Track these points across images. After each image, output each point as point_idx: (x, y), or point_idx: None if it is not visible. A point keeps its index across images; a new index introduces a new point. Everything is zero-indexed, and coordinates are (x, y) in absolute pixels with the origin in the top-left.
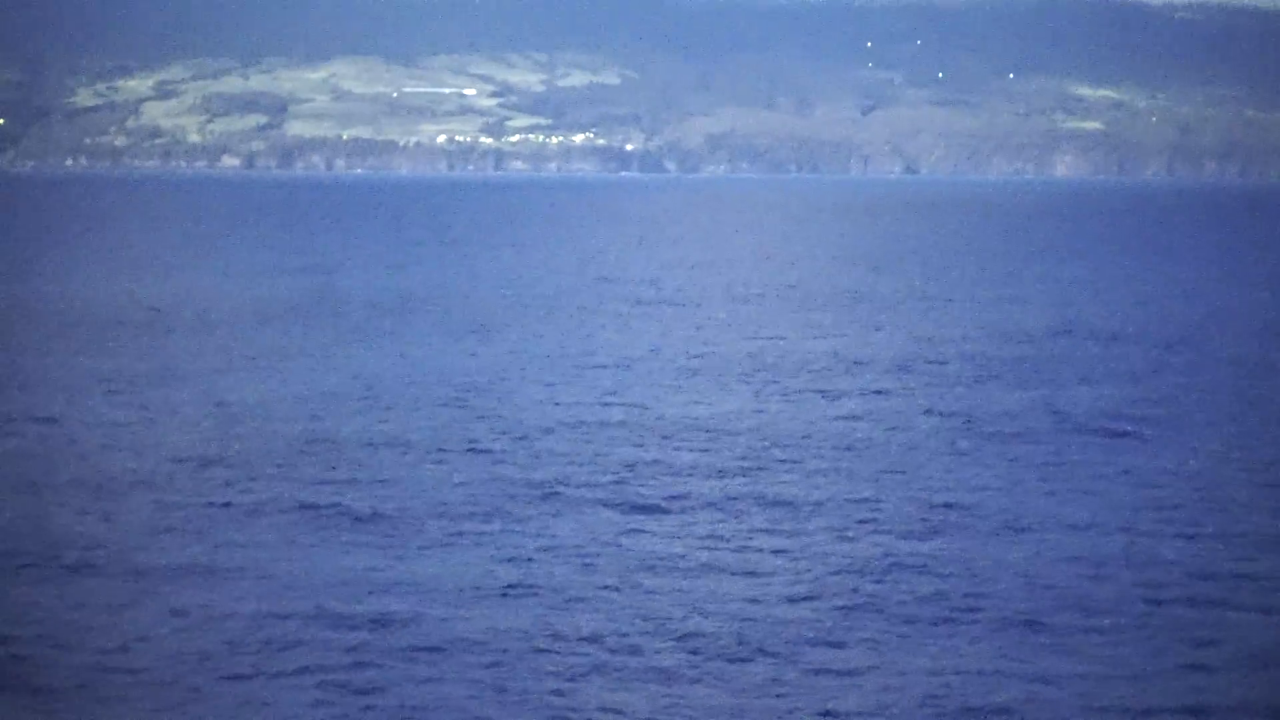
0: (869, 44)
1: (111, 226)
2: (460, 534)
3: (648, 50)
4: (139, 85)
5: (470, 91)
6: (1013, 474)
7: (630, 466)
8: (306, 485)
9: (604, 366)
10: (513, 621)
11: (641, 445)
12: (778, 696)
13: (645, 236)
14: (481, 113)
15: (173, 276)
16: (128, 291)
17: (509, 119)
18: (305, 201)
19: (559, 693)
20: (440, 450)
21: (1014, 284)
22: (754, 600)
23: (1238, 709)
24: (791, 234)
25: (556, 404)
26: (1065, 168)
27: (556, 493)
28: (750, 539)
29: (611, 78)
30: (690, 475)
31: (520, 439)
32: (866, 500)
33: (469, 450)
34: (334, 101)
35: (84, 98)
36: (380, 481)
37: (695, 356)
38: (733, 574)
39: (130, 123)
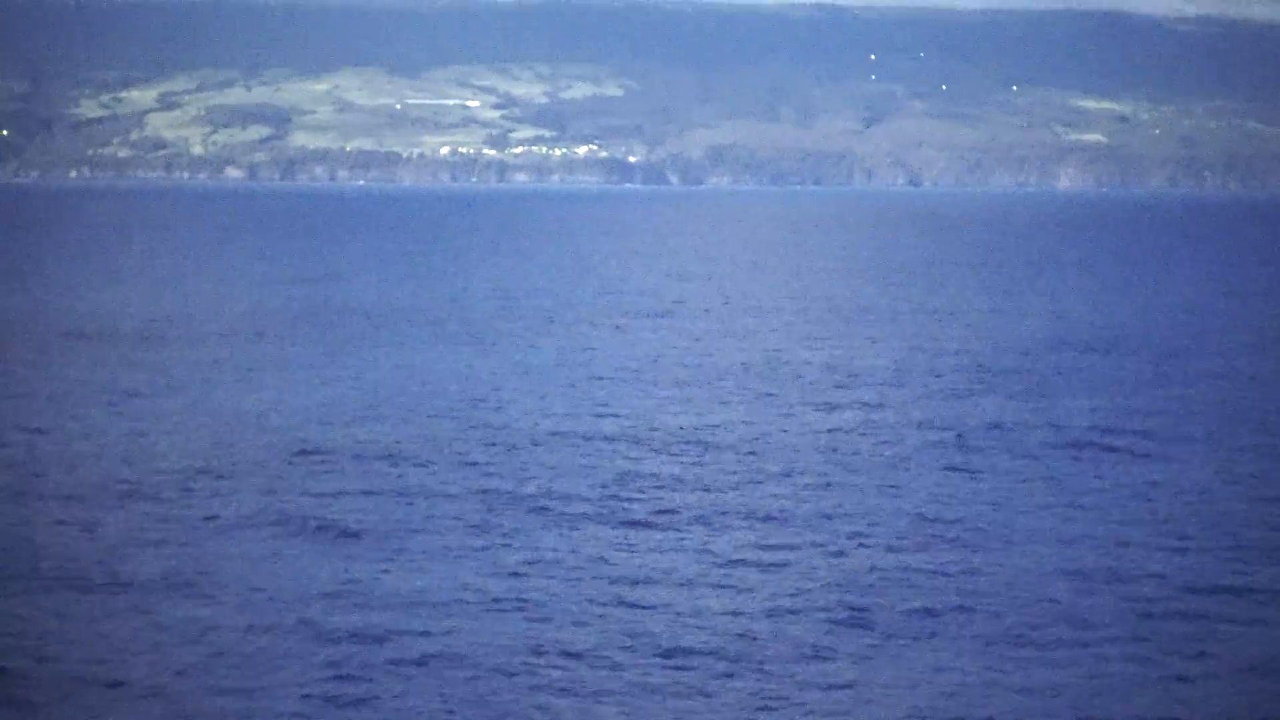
0: (872, 56)
1: (112, 238)
2: (447, 548)
3: (650, 62)
4: (143, 97)
5: (473, 103)
6: (1002, 487)
7: (620, 479)
8: (294, 497)
9: (599, 378)
10: (498, 635)
11: (632, 458)
12: (764, 710)
13: (645, 248)
14: (485, 124)
15: (172, 288)
16: (126, 303)
17: (512, 131)
18: (307, 213)
19: (543, 708)
20: (430, 462)
21: (1013, 296)
22: (741, 613)
23: None
24: (792, 246)
25: (550, 415)
26: (1068, 180)
27: (544, 506)
28: (738, 552)
29: (614, 90)
30: (679, 488)
31: (511, 450)
32: (855, 513)
33: (459, 462)
34: (337, 113)
35: (88, 109)
36: (368, 494)
37: (690, 368)
38: (719, 587)
39: (134, 134)
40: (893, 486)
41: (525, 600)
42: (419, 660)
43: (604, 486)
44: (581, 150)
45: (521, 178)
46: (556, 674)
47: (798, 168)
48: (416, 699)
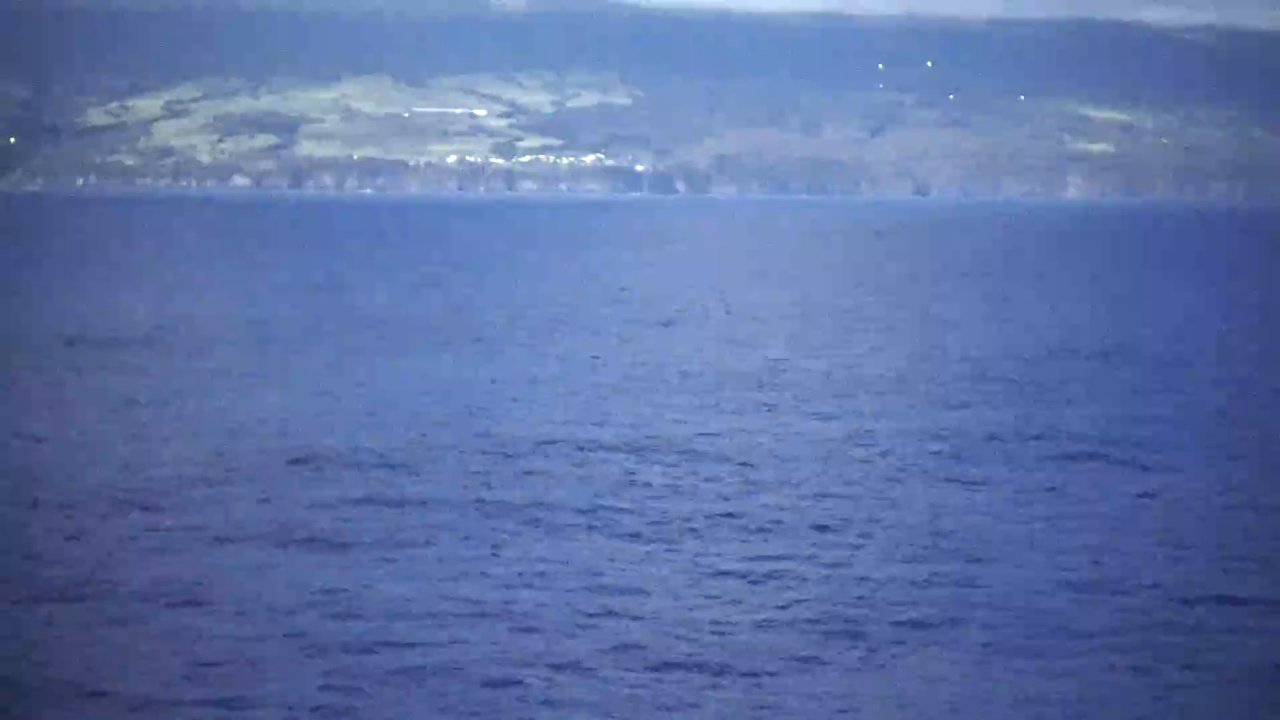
0: (879, 66)
1: (117, 245)
2: (439, 558)
3: (658, 71)
4: (150, 105)
5: (480, 112)
6: (998, 496)
7: (615, 489)
8: (289, 506)
9: (600, 386)
10: (488, 646)
11: (628, 467)
12: None
13: (650, 257)
14: (492, 133)
15: (177, 296)
16: (129, 310)
17: (519, 139)
18: (314, 221)
19: None
20: (427, 471)
21: (1016, 305)
22: (731, 624)
23: None
24: (797, 255)
25: (549, 424)
26: (1074, 189)
27: (538, 516)
28: (730, 563)
29: (621, 98)
30: (674, 498)
31: (508, 459)
32: (850, 523)
33: (455, 471)
34: (344, 121)
35: (94, 117)
36: (362, 503)
37: (691, 377)
38: (711, 598)
39: (141, 142)
40: (888, 495)
41: (516, 610)
42: (409, 671)
43: (598, 496)
44: (588, 159)
45: (528, 186)
46: (547, 684)
47: (804, 176)
48: (407, 709)
